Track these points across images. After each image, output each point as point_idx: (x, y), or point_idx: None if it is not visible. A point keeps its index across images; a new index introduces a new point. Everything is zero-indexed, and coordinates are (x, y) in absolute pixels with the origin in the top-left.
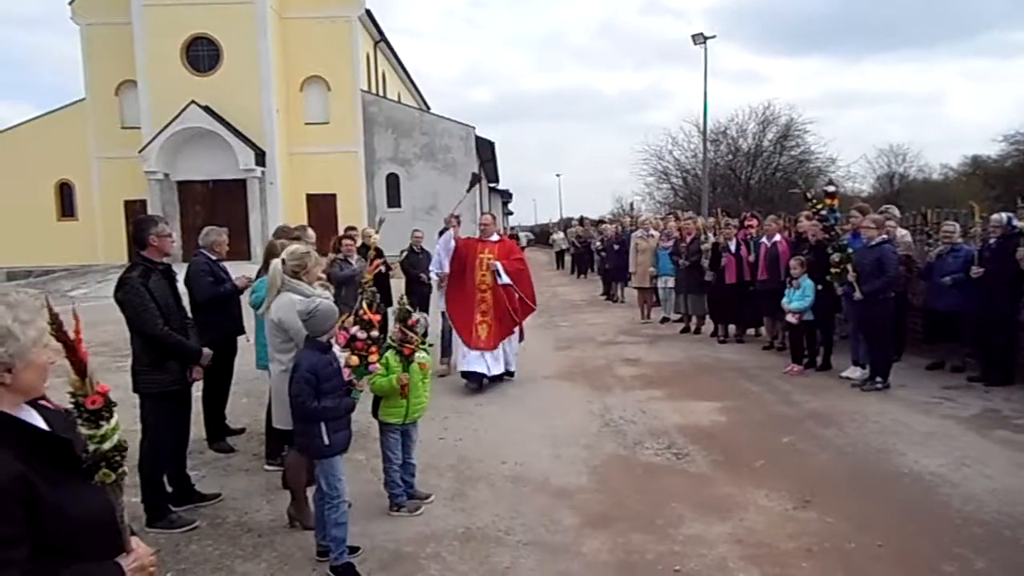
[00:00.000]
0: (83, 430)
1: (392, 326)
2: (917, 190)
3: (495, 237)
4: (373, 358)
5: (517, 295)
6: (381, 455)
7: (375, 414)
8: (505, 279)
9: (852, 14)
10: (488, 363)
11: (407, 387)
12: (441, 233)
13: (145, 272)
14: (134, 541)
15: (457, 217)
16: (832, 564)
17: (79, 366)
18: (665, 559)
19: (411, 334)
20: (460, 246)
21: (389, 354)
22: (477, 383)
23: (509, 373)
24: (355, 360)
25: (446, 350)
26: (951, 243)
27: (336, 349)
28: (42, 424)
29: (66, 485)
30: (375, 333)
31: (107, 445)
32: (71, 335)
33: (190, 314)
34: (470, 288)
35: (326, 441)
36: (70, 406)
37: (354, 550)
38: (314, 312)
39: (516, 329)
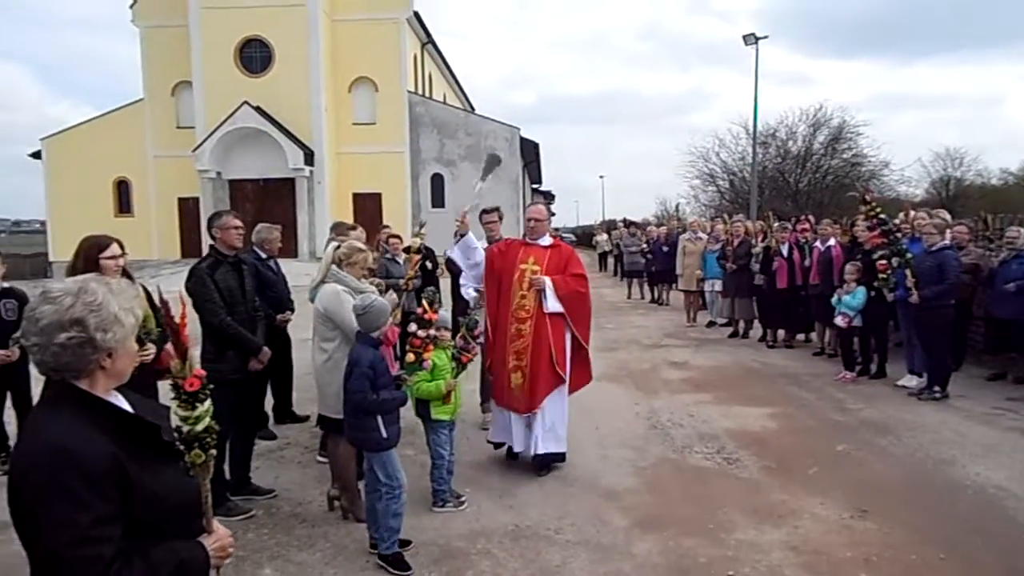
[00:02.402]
0: (178, 411)
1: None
2: (974, 195)
3: (546, 240)
4: (428, 355)
5: (569, 333)
6: (432, 453)
7: (418, 413)
8: (554, 305)
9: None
10: (516, 431)
11: (452, 393)
12: (459, 238)
13: (214, 263)
14: (214, 523)
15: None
16: (892, 575)
17: (181, 349)
18: (718, 564)
19: (473, 344)
20: (494, 255)
21: (435, 357)
22: (510, 454)
23: (557, 457)
24: (411, 356)
25: (487, 394)
26: (1016, 249)
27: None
28: (128, 408)
29: (153, 467)
30: (433, 332)
31: (200, 426)
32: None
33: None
34: (504, 314)
35: (384, 434)
36: None
37: (405, 544)
38: (369, 308)
39: (563, 385)
